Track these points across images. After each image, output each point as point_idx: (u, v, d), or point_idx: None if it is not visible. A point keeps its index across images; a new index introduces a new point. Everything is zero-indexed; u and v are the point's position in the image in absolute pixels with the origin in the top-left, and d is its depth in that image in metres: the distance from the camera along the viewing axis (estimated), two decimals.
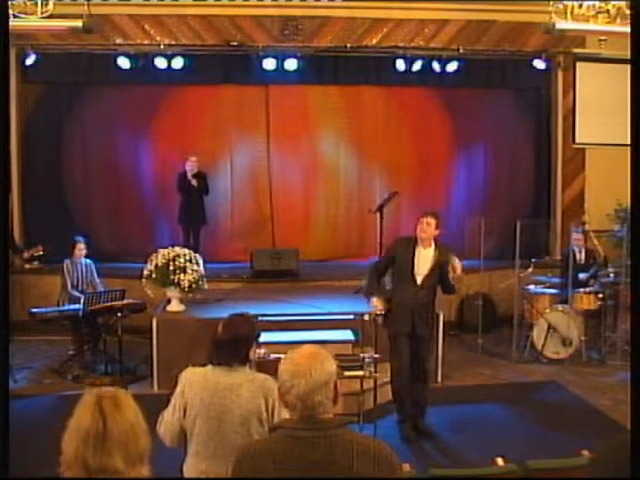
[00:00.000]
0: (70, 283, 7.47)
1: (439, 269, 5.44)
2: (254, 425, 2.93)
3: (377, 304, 5.53)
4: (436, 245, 5.50)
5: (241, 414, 2.92)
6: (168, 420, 3.03)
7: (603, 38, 7.15)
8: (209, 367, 3.03)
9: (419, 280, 5.45)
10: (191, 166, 9.17)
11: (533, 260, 7.93)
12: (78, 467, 1.89)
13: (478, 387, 6.85)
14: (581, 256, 8.12)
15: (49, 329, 7.53)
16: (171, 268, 6.72)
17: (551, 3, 6.89)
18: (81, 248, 7.58)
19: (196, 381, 2.98)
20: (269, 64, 9.37)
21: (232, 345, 3.01)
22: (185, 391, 2.98)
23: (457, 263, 5.45)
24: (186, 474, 3.04)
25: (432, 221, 5.41)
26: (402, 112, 10.29)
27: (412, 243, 5.48)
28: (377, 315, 5.57)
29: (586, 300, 7.73)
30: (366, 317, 5.75)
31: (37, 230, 9.39)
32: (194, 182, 9.14)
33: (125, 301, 7.13)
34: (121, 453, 1.90)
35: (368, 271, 5.75)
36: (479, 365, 7.56)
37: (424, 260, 5.45)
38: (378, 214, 8.80)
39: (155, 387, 6.59)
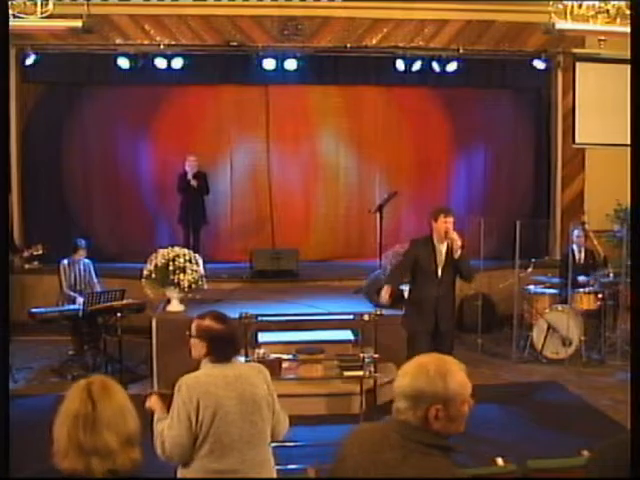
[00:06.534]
0: (67, 283, 7.48)
1: (453, 259, 5.62)
2: (264, 410, 2.98)
3: (386, 293, 5.68)
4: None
5: (254, 401, 2.94)
6: (174, 435, 2.88)
7: (603, 38, 7.13)
8: (207, 367, 2.99)
9: (439, 274, 5.64)
10: (190, 166, 9.17)
11: (533, 260, 7.93)
12: (73, 450, 1.93)
13: (478, 387, 6.79)
14: (581, 256, 8.13)
15: (49, 329, 7.52)
16: (171, 268, 6.72)
17: (551, 3, 6.89)
18: (82, 254, 7.62)
19: (202, 383, 2.92)
20: (269, 64, 9.37)
21: (230, 338, 3.03)
22: (191, 397, 2.88)
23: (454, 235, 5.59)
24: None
25: (453, 219, 5.63)
26: (402, 112, 10.29)
27: (429, 242, 5.68)
28: (382, 306, 5.76)
29: (586, 300, 7.72)
30: (366, 317, 5.76)
31: (37, 230, 9.38)
32: (194, 182, 9.13)
33: (125, 301, 7.13)
34: (112, 433, 1.94)
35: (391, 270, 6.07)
36: (479, 365, 7.55)
37: (440, 255, 5.66)
38: (378, 214, 8.81)
39: (155, 387, 6.57)
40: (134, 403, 2.08)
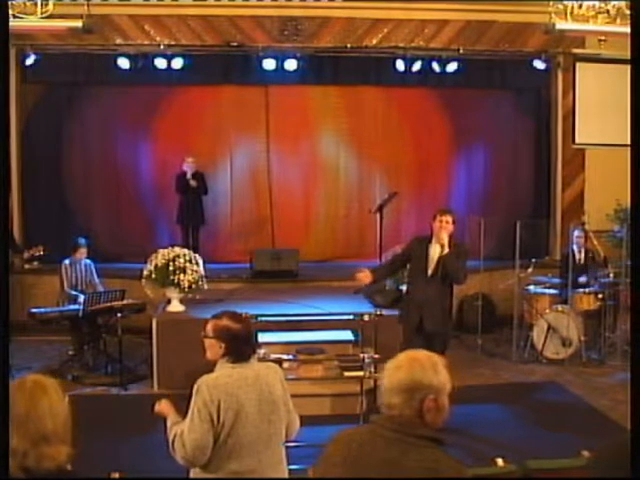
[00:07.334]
0: (67, 283, 7.48)
1: (444, 259, 5.56)
2: (281, 410, 2.97)
3: (362, 274, 5.69)
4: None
5: (273, 401, 2.93)
6: (196, 437, 2.79)
7: (603, 38, 7.14)
8: (225, 367, 2.93)
9: (429, 273, 5.62)
10: (189, 167, 9.18)
11: (533, 260, 7.93)
12: None
13: (478, 387, 6.85)
14: (581, 256, 8.13)
15: (49, 329, 7.52)
16: (171, 268, 6.73)
17: (551, 3, 6.90)
18: (82, 252, 7.61)
19: (222, 384, 2.86)
20: (269, 64, 9.37)
21: (248, 337, 3.01)
22: (213, 398, 2.81)
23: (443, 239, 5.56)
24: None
25: (450, 219, 5.60)
26: (402, 112, 10.29)
27: (427, 240, 5.69)
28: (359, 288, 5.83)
29: (586, 300, 7.73)
30: (366, 317, 5.77)
31: (37, 230, 9.38)
32: (193, 183, 9.14)
33: (125, 301, 7.13)
34: (19, 433, 1.96)
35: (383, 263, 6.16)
36: (479, 365, 7.56)
37: (433, 254, 5.64)
38: (378, 214, 8.82)
39: (155, 387, 6.56)
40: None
